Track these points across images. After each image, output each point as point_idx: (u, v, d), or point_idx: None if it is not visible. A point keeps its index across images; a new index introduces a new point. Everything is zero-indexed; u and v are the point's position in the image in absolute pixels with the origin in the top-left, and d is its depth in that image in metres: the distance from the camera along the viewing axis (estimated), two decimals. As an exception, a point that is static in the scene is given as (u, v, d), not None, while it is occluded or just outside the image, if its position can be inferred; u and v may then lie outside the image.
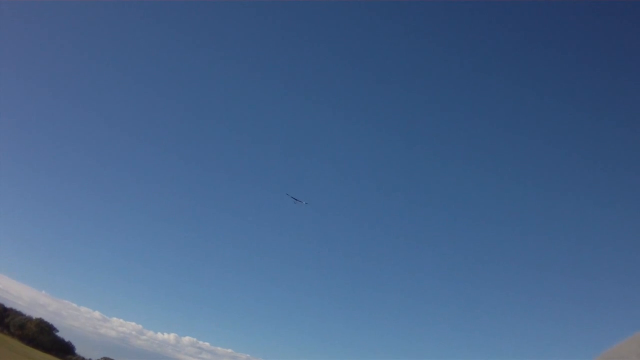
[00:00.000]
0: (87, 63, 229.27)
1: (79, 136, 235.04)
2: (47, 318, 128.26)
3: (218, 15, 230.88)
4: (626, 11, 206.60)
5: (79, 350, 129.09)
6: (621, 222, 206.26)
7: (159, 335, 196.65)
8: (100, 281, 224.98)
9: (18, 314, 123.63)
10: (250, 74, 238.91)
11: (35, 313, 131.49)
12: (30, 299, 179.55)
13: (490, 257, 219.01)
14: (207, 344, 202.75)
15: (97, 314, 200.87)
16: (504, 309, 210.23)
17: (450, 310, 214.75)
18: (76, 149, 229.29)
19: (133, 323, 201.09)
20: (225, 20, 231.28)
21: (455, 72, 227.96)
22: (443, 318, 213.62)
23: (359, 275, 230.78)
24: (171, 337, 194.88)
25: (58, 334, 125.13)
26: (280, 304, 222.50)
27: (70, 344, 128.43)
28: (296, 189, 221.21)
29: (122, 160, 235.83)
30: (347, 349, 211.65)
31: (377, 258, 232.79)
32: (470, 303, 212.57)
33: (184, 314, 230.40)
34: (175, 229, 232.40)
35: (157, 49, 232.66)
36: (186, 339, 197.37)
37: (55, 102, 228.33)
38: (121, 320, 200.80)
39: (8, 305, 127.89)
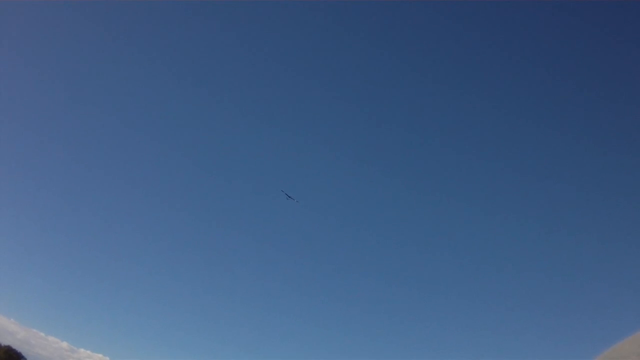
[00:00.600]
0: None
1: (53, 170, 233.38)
2: (15, 346, 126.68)
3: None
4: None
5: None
6: (621, 221, 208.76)
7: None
8: (68, 311, 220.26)
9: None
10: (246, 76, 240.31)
11: (4, 340, 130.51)
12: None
13: (489, 256, 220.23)
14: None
15: (65, 344, 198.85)
16: (504, 308, 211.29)
17: (447, 310, 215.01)
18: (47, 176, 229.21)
19: (100, 355, 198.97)
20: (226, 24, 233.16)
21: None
22: (439, 318, 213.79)
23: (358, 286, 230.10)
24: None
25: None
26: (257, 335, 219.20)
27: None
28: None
29: (87, 187, 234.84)
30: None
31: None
32: (468, 302, 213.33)
33: (152, 348, 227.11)
34: (145, 260, 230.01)
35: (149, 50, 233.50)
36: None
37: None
38: (89, 351, 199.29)
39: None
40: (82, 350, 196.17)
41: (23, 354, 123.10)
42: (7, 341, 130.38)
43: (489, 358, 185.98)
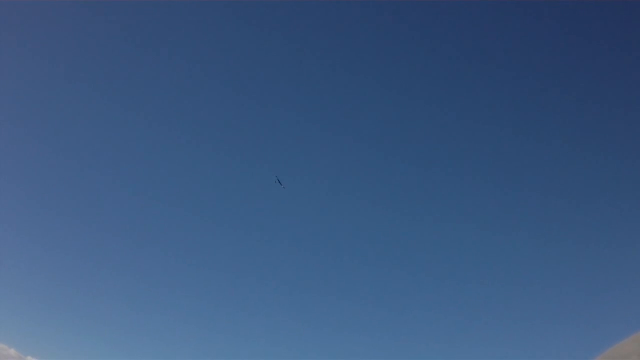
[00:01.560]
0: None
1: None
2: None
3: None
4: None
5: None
6: (622, 221, 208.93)
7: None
8: (17, 317, 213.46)
9: None
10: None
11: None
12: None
13: (489, 256, 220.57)
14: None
15: (12, 351, 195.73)
16: (503, 308, 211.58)
17: (446, 308, 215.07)
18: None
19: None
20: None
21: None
22: (439, 316, 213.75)
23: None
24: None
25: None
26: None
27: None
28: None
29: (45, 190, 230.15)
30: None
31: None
32: (468, 302, 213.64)
33: (106, 355, 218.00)
34: (102, 268, 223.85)
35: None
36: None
37: None
38: (37, 359, 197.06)
39: None
40: (29, 358, 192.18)
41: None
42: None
43: (488, 358, 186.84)
